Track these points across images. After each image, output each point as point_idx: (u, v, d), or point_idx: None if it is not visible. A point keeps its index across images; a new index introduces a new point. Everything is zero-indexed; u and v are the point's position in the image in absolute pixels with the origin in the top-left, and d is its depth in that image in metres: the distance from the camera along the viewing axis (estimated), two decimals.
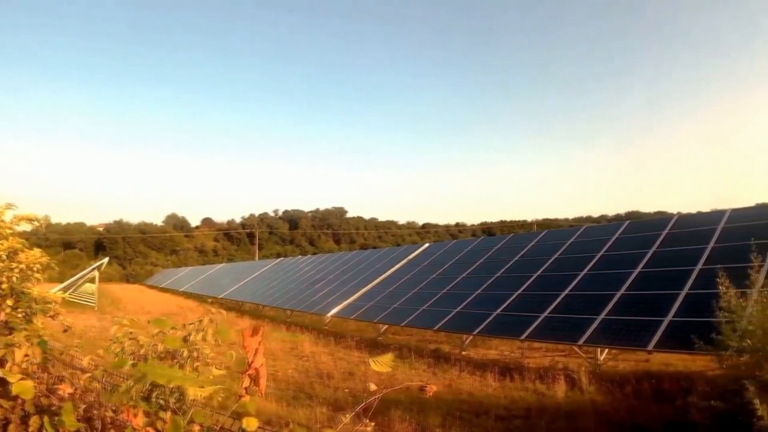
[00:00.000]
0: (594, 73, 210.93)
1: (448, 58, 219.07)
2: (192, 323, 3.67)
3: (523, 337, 14.51)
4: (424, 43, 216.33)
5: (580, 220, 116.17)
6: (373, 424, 2.76)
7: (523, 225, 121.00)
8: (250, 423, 2.48)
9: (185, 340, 3.55)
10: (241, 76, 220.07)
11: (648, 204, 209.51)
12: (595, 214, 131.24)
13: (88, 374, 3.58)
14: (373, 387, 2.84)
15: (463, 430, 9.40)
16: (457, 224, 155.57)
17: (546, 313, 14.97)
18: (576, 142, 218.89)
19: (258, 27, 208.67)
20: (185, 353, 3.50)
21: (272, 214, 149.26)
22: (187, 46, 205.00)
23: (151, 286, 73.07)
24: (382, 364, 2.66)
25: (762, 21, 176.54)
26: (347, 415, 2.78)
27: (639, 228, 18.60)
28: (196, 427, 2.84)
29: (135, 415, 2.63)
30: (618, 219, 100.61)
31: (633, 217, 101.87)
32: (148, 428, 2.62)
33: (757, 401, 6.39)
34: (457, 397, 11.89)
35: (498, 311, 16.51)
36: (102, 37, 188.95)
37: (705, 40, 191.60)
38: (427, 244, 30.25)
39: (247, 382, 2.56)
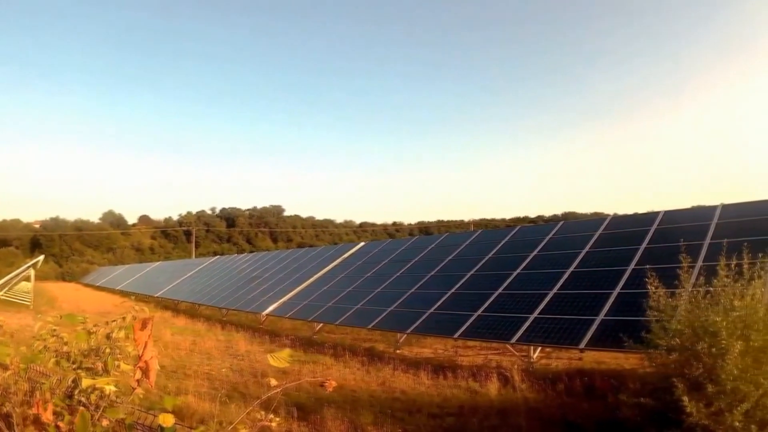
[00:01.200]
0: (529, 72, 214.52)
1: (385, 54, 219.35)
2: (114, 320, 3.63)
3: (456, 335, 14.47)
4: (363, 40, 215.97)
5: (516, 221, 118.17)
6: (277, 419, 2.88)
7: (460, 225, 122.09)
8: (166, 419, 2.51)
9: (108, 337, 3.54)
10: (176, 74, 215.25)
11: (585, 205, 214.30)
12: (532, 215, 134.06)
13: (9, 371, 3.52)
14: (273, 382, 2.95)
15: (395, 428, 9.33)
16: (395, 223, 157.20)
17: (479, 312, 14.99)
18: (513, 143, 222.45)
19: (196, 25, 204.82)
20: (107, 350, 3.48)
21: (210, 212, 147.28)
22: (114, 41, 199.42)
23: (88, 285, 70.99)
24: (279, 359, 2.82)
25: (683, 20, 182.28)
26: (249, 409, 2.78)
27: (573, 229, 18.89)
28: (105, 421, 2.88)
29: (45, 409, 2.65)
30: (555, 220, 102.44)
31: (570, 218, 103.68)
32: (59, 423, 2.67)
33: (685, 398, 6.44)
34: (391, 395, 11.88)
35: (432, 310, 16.48)
36: (37, 25, 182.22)
37: (631, 41, 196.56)
38: (362, 243, 30.13)
39: (138, 374, 2.62)
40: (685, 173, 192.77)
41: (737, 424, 6.15)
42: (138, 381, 2.64)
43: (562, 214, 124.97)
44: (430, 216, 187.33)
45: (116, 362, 3.40)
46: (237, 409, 10.02)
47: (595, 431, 8.91)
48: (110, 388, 2.84)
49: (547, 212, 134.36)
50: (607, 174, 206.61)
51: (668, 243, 13.95)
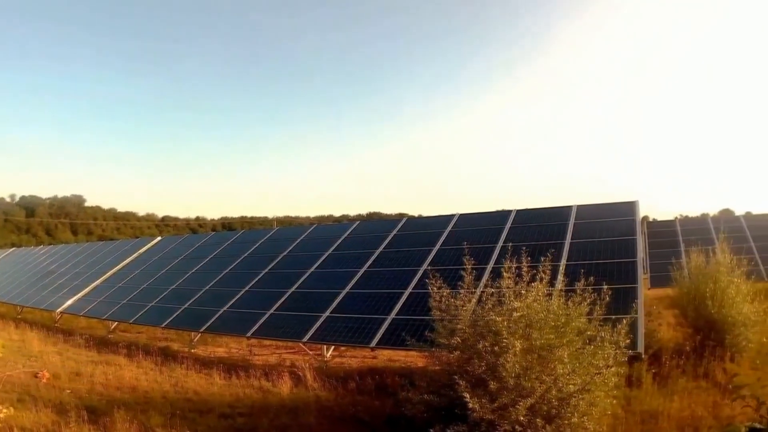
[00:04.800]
0: (329, 73, 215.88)
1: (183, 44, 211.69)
2: None
3: (249, 334, 13.87)
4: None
5: (321, 219, 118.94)
6: (5, 410, 2.38)
7: (264, 221, 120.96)
8: None
9: None
10: None
11: (389, 206, 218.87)
12: (337, 214, 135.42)
13: None
14: None
15: (185, 430, 8.85)
16: (198, 218, 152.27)
17: (273, 310, 14.48)
18: (323, 144, 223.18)
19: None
20: None
21: (9, 200, 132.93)
22: None
23: None
24: None
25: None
26: None
27: (369, 228, 18.91)
28: None
29: None
30: (359, 219, 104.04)
31: (374, 218, 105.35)
32: None
33: (467, 395, 6.44)
34: (183, 396, 11.30)
35: (225, 308, 15.68)
36: None
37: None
38: (159, 238, 28.24)
39: None
40: (490, 176, 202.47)
41: (522, 418, 6.25)
42: None
43: (367, 214, 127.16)
44: (236, 212, 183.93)
45: None
46: (28, 414, 9.63)
47: (385, 427, 8.81)
48: None
49: (353, 212, 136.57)
50: (414, 176, 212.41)
51: (461, 245, 14.24)
